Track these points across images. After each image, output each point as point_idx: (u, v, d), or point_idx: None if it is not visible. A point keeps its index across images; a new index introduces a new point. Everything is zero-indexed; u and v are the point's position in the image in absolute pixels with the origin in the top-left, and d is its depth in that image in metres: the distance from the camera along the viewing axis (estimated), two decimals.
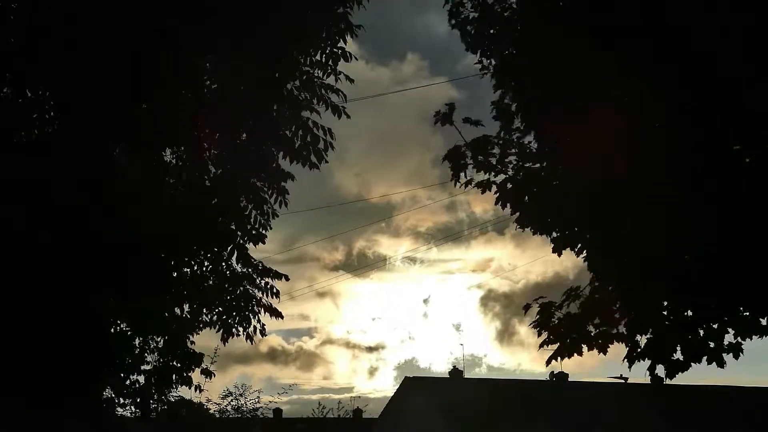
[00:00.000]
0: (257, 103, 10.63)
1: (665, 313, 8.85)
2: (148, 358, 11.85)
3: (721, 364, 8.66)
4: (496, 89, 10.08)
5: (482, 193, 9.40)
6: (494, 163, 9.34)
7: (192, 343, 11.95)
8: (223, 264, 11.51)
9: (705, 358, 8.71)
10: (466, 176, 9.39)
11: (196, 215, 10.67)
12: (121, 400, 13.46)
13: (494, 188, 9.34)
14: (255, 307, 11.65)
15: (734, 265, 8.27)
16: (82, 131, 9.86)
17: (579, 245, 9.33)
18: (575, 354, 9.09)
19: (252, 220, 11.33)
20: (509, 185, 9.25)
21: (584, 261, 9.48)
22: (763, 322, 8.59)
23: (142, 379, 11.95)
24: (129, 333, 11.58)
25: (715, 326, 8.67)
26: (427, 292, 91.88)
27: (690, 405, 35.32)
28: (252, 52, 10.30)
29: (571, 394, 37.46)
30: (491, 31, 10.04)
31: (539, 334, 9.26)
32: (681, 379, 9.01)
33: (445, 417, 34.30)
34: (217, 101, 10.47)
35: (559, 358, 9.21)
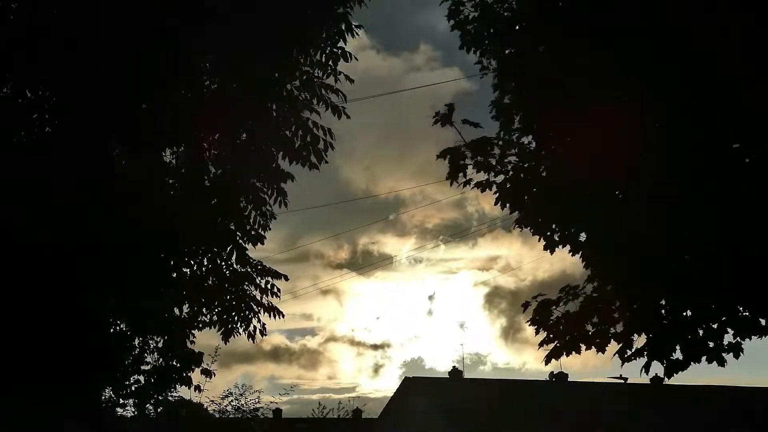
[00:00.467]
0: (257, 103, 10.63)
1: (665, 312, 8.85)
2: (148, 358, 11.86)
3: (722, 363, 8.66)
4: (495, 89, 10.09)
5: (482, 191, 9.41)
6: (494, 163, 9.34)
7: (192, 343, 11.97)
8: (223, 264, 11.51)
9: (705, 357, 8.71)
10: (465, 176, 9.39)
11: (196, 215, 10.67)
12: (121, 400, 13.44)
13: (494, 188, 9.35)
14: (255, 307, 11.66)
15: (734, 265, 8.27)
16: (82, 131, 9.86)
17: (578, 245, 9.33)
18: (573, 352, 9.09)
19: (251, 220, 11.33)
20: (508, 185, 9.26)
21: (581, 260, 9.48)
22: (763, 322, 8.60)
23: (142, 379, 11.96)
24: (129, 333, 11.59)
25: (715, 326, 8.67)
26: (433, 291, 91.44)
27: (690, 405, 35.32)
28: (252, 52, 10.30)
29: (571, 394, 37.45)
30: (491, 31, 10.02)
31: (537, 332, 9.27)
32: (681, 379, 9.02)
33: (444, 417, 34.30)
34: (217, 101, 10.47)
35: (556, 358, 9.21)
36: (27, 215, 9.44)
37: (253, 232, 11.38)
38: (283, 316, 11.81)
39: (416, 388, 37.73)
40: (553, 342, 9.18)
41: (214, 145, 10.98)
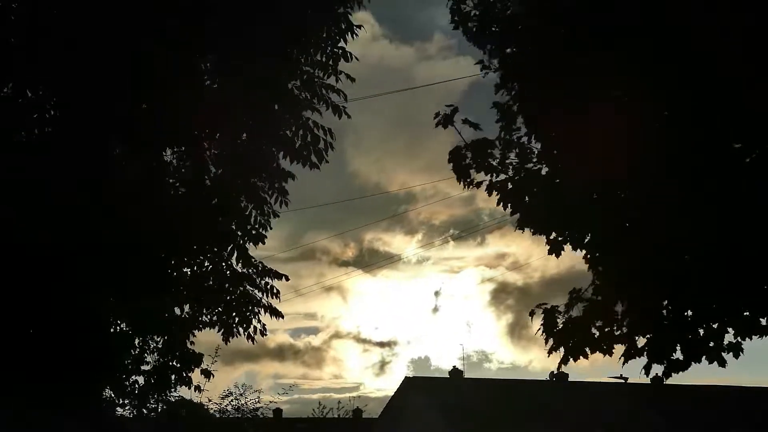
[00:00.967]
0: (257, 103, 10.63)
1: (665, 312, 8.84)
2: (148, 358, 11.85)
3: (722, 363, 8.65)
4: (497, 89, 10.07)
5: (489, 193, 9.39)
6: (495, 164, 9.34)
7: (192, 343, 11.96)
8: (223, 264, 11.51)
9: (705, 357, 8.71)
10: (469, 176, 9.39)
11: (196, 215, 10.67)
12: (121, 400, 13.43)
13: (494, 188, 9.33)
14: (255, 308, 11.65)
15: (734, 265, 8.26)
16: (81, 131, 9.86)
17: (581, 245, 9.32)
18: (581, 357, 9.06)
19: (252, 220, 11.33)
20: (510, 186, 9.25)
21: (584, 261, 9.47)
22: (763, 322, 8.59)
23: (141, 379, 11.95)
24: (129, 333, 11.58)
25: (715, 326, 8.67)
26: (440, 288, 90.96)
27: (690, 405, 35.33)
28: (252, 52, 10.30)
29: (571, 394, 37.47)
30: (493, 29, 10.01)
31: (546, 341, 9.22)
32: (681, 379, 9.02)
33: (444, 417, 34.31)
34: (217, 101, 10.46)
35: (565, 363, 9.19)
36: (27, 215, 9.44)
37: (253, 232, 11.39)
38: (283, 317, 11.82)
39: (416, 388, 37.75)
40: (561, 348, 9.14)
41: (214, 145, 10.98)
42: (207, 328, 11.83)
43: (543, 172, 9.35)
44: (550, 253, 9.32)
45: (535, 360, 66.01)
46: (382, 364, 69.83)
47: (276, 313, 11.74)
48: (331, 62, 11.02)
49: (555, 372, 38.32)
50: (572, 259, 9.64)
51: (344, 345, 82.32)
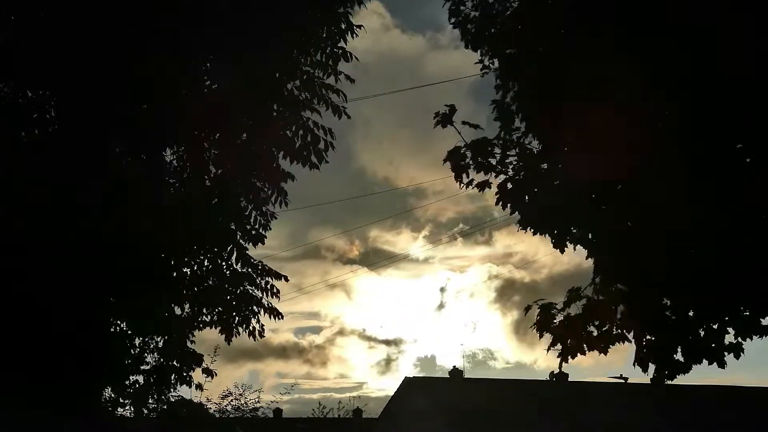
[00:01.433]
0: (257, 103, 10.63)
1: (667, 313, 8.84)
2: (148, 358, 11.86)
3: (722, 364, 8.65)
4: (497, 89, 10.07)
5: (480, 191, 9.39)
6: (494, 163, 9.33)
7: (192, 343, 11.97)
8: (224, 264, 11.51)
9: (705, 358, 8.70)
10: (467, 177, 9.38)
11: (196, 215, 10.67)
12: (121, 400, 13.45)
13: (495, 188, 9.33)
14: (255, 307, 11.65)
15: (734, 265, 8.25)
16: (82, 131, 9.86)
17: (583, 244, 9.32)
18: (578, 354, 9.07)
19: (252, 220, 11.33)
20: (509, 185, 9.24)
21: (586, 258, 9.47)
22: (763, 322, 8.59)
23: (141, 379, 11.96)
24: (129, 333, 11.59)
25: (715, 326, 8.66)
26: (446, 286, 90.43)
27: (690, 405, 35.31)
28: (252, 53, 10.30)
29: (571, 394, 37.45)
30: (492, 30, 10.01)
31: (540, 336, 9.25)
32: (681, 379, 9.00)
33: (444, 417, 34.30)
34: (217, 101, 10.47)
35: (564, 360, 9.19)
36: (27, 215, 9.44)
37: (253, 232, 11.39)
38: (283, 317, 11.83)
39: (416, 387, 37.74)
40: (558, 345, 9.15)
41: (214, 145, 10.98)
42: (207, 328, 11.83)
43: (543, 171, 9.34)
44: (555, 247, 9.32)
45: (540, 358, 65.98)
46: (388, 362, 69.64)
47: (275, 314, 11.75)
48: (330, 62, 11.02)
49: (555, 372, 38.39)
50: (580, 255, 9.62)
51: (349, 343, 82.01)
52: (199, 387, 12.22)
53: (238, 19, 10.11)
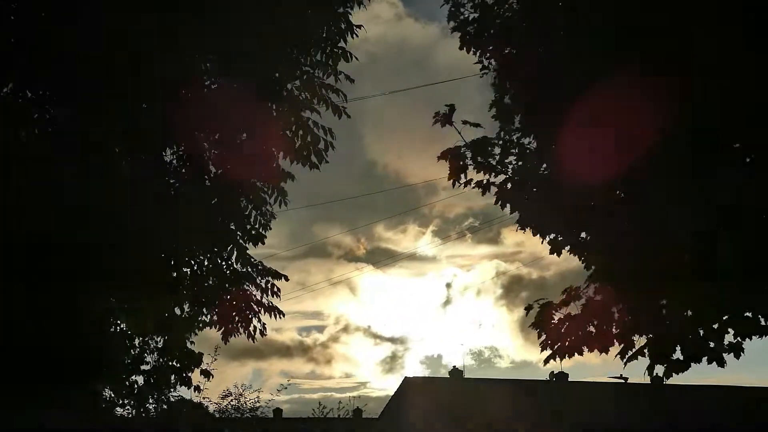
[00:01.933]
0: (257, 103, 10.63)
1: (665, 312, 8.84)
2: (148, 358, 11.87)
3: (722, 364, 8.65)
4: (496, 90, 10.08)
5: (482, 194, 9.40)
6: (494, 163, 9.33)
7: (192, 343, 11.98)
8: (224, 264, 11.51)
9: (705, 358, 8.70)
10: (466, 176, 9.38)
11: (196, 215, 10.67)
12: (121, 400, 13.47)
13: (494, 188, 9.33)
14: (256, 307, 11.66)
15: (735, 265, 8.25)
16: (82, 131, 9.86)
17: (580, 245, 9.33)
18: (576, 354, 9.08)
19: (252, 220, 11.34)
20: (509, 185, 9.25)
21: (581, 261, 9.48)
22: (763, 322, 8.58)
23: (141, 379, 11.98)
24: (129, 333, 11.59)
25: (715, 326, 8.66)
26: (453, 283, 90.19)
27: (690, 405, 35.33)
28: (252, 52, 10.30)
29: (571, 394, 37.47)
30: (491, 32, 10.02)
31: (539, 336, 9.26)
32: (681, 379, 9.01)
33: (443, 417, 34.31)
34: (217, 101, 10.47)
35: (558, 359, 9.21)
36: (27, 215, 9.44)
37: (253, 232, 11.40)
38: (284, 316, 11.83)
39: (416, 388, 37.76)
40: (555, 344, 9.16)
41: (214, 145, 10.98)
42: (207, 328, 11.83)
43: (542, 172, 9.35)
44: (551, 252, 9.34)
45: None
46: (393, 360, 69.54)
47: (276, 312, 11.75)
48: (330, 62, 11.02)
49: (555, 372, 38.37)
50: None
51: (354, 341, 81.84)
52: (197, 389, 12.21)
53: (239, 18, 10.10)
